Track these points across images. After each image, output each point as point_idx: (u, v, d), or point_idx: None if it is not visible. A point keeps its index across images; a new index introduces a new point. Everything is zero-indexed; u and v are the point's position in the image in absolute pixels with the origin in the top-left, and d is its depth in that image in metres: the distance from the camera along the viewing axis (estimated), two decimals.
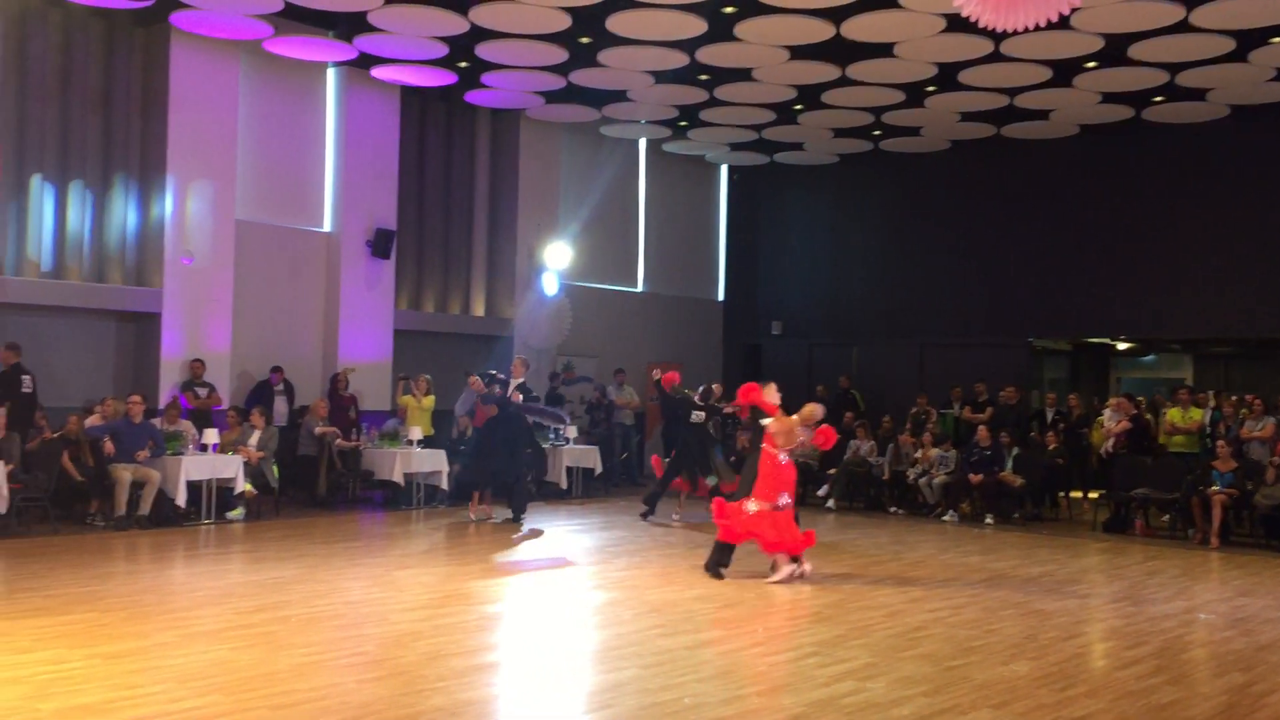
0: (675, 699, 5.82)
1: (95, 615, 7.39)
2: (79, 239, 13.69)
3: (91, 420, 12.07)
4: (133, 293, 13.98)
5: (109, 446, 11.63)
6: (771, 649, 7.18)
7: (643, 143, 20.00)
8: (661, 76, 15.08)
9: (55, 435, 11.58)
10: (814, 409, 9.81)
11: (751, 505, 9.36)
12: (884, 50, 13.72)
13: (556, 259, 17.91)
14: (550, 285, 17.87)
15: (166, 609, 7.77)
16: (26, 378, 12.11)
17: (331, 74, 15.83)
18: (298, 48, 14.34)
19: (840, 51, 13.76)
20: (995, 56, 13.74)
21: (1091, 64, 14.08)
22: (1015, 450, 14.54)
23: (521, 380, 13.24)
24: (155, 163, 14.10)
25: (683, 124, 17.92)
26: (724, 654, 6.89)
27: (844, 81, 15.03)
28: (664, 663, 6.58)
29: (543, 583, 9.42)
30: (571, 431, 15.86)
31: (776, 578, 9.34)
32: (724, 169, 21.66)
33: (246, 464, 12.39)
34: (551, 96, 16.31)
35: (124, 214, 14.08)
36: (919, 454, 15.04)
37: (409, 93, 16.46)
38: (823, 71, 14.61)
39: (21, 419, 11.75)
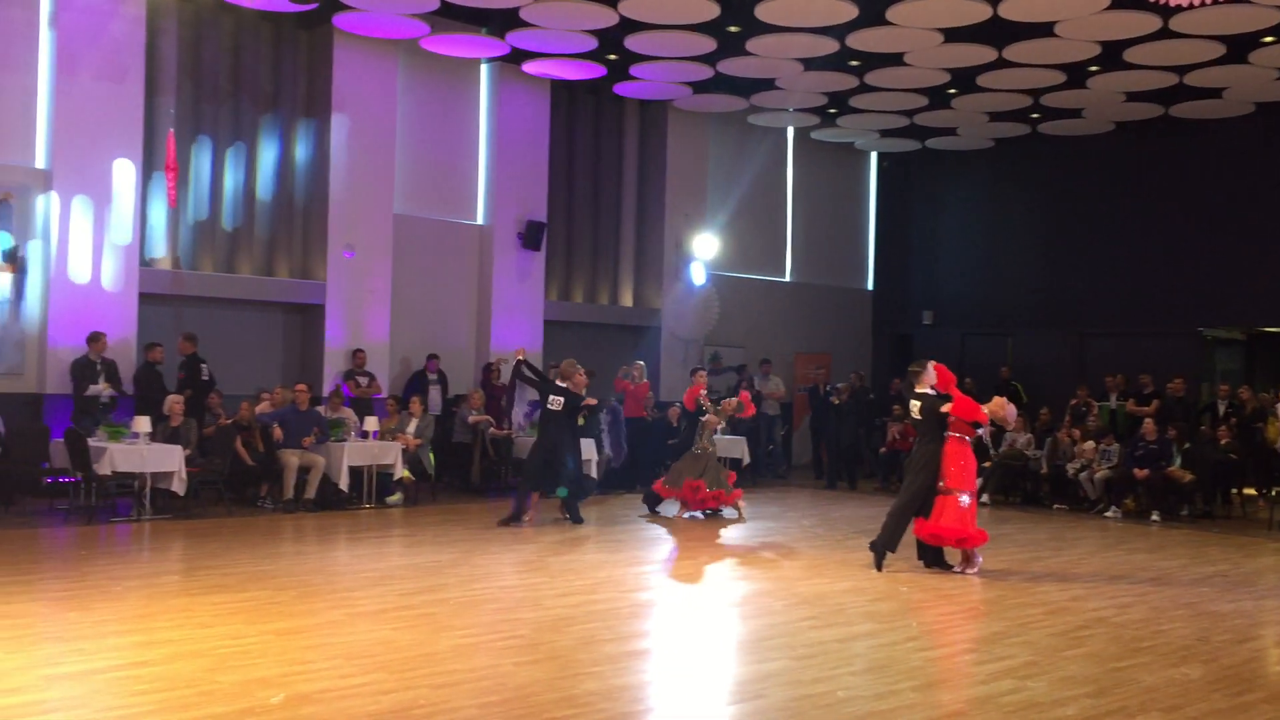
0: (828, 691, 5.77)
1: (268, 593, 7.75)
2: (248, 234, 14.36)
3: (262, 407, 12.63)
4: (298, 285, 14.58)
5: (278, 433, 12.16)
6: (926, 644, 7.05)
7: (791, 131, 19.82)
8: (811, 64, 14.91)
9: (229, 421, 12.17)
10: (1003, 403, 9.62)
11: (964, 498, 9.16)
12: (1044, 30, 13.27)
13: (704, 249, 17.91)
14: (698, 275, 17.89)
15: (333, 589, 8.09)
16: (204, 366, 12.79)
17: (485, 70, 16.17)
18: (453, 45, 14.70)
19: (997, 32, 13.36)
20: (1164, 33, 13.13)
21: (1269, 39, 13.32)
22: (1184, 444, 13.89)
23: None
24: (320, 159, 14.66)
25: (832, 111, 17.69)
26: (877, 648, 6.80)
27: (1001, 63, 14.60)
28: (816, 655, 6.53)
29: (691, 572, 9.46)
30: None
31: (973, 570, 9.20)
32: (873, 156, 21.30)
33: (405, 451, 12.80)
34: (699, 87, 16.31)
35: (289, 210, 14.69)
36: (1079, 448, 14.53)
37: (559, 86, 16.69)
38: (979, 54, 14.22)
39: (198, 406, 12.41)
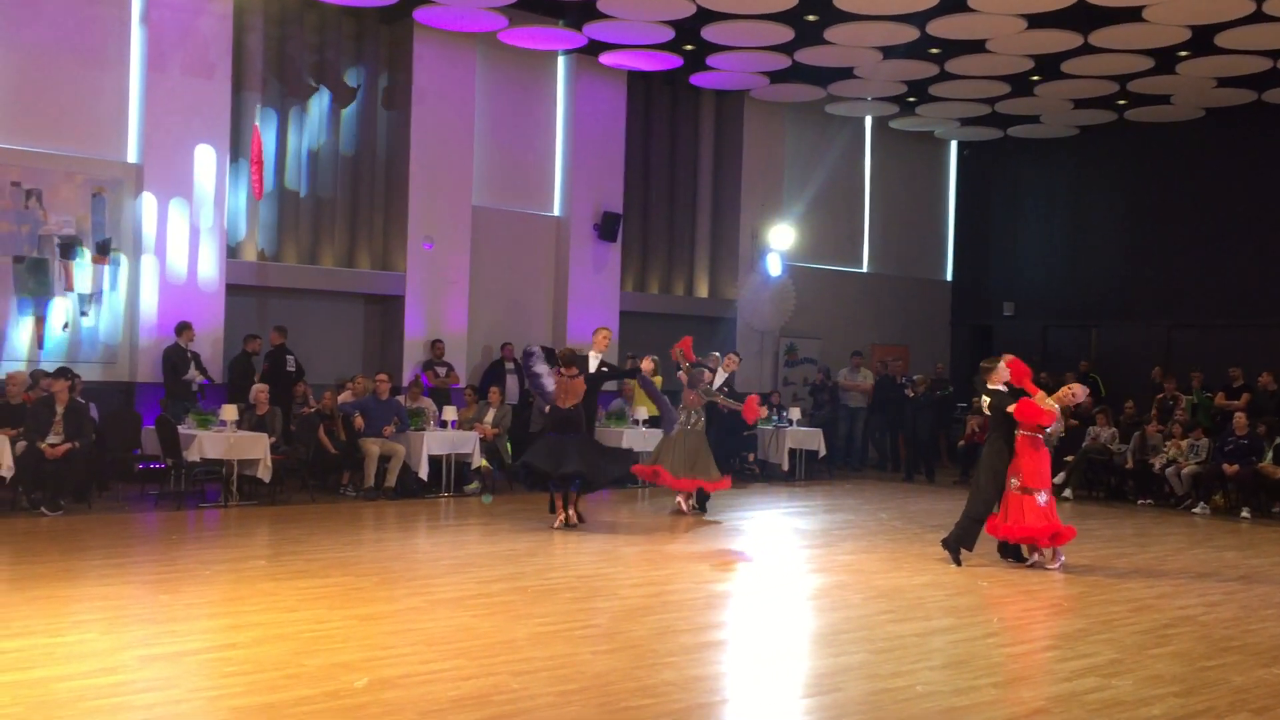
0: (907, 686, 5.73)
1: (350, 579, 7.90)
2: (330, 226, 14.62)
3: (344, 397, 12.87)
4: (379, 276, 14.82)
5: (359, 422, 12.37)
6: (1007, 640, 6.95)
7: (869, 120, 19.62)
8: (890, 52, 14.73)
9: (312, 410, 12.41)
10: (1067, 392, 9.46)
11: (1042, 497, 9.04)
12: (1131, 15, 12.96)
13: (780, 240, 17.82)
14: (774, 266, 17.81)
15: (413, 575, 8.22)
16: (290, 357, 13.09)
17: (561, 62, 16.25)
18: (530, 38, 14.80)
19: (1083, 18, 13.08)
20: (1257, 16, 12.74)
21: None
22: (1276, 440, 13.49)
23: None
24: (400, 152, 14.87)
25: (911, 100, 17.47)
26: (957, 643, 6.72)
27: (1086, 49, 14.28)
28: (894, 649, 6.49)
29: (768, 564, 9.45)
30: (795, 413, 15.80)
31: (1055, 565, 9.10)
32: (954, 145, 20.99)
33: (482, 440, 12.94)
34: (776, 76, 16.21)
35: (370, 202, 14.93)
36: (1167, 442, 14.19)
37: (635, 77, 16.71)
38: (1063, 40, 13.93)
39: (284, 395, 12.68)
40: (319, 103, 14.51)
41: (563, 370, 10.65)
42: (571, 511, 10.55)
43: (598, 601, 7.62)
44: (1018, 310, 20.12)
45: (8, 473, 10.05)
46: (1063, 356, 18.28)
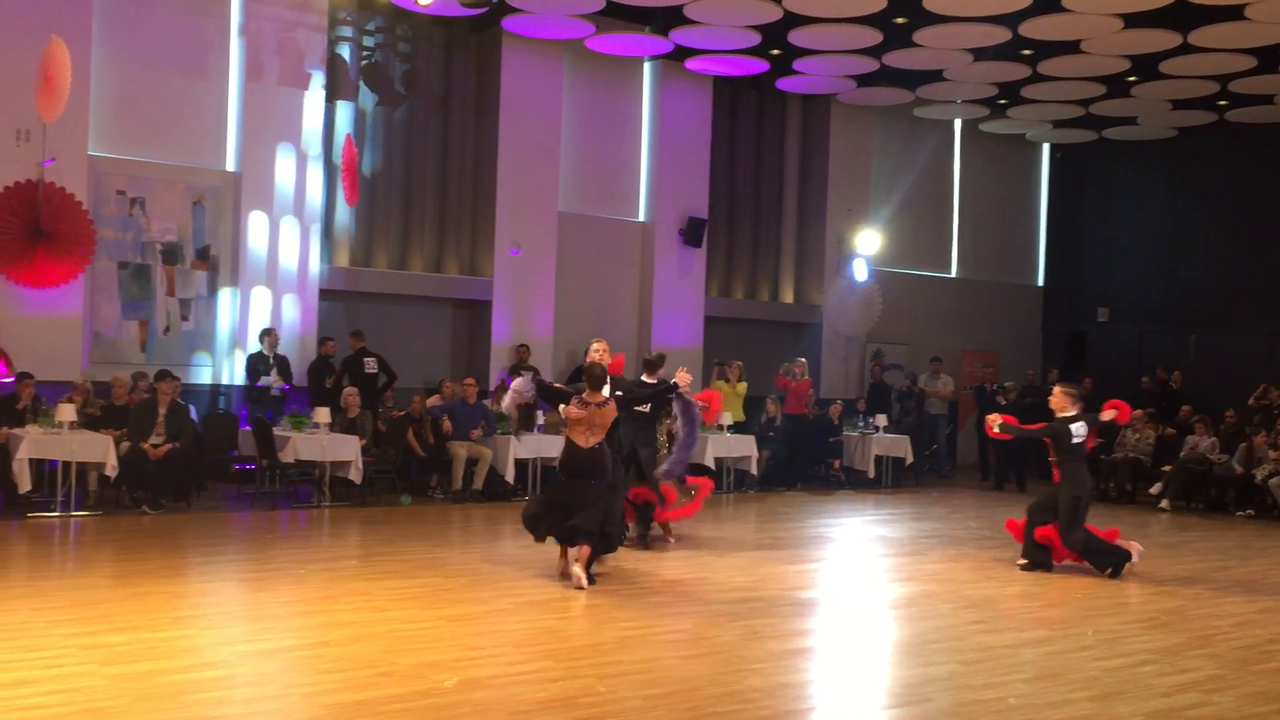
0: (999, 698, 5.63)
1: (439, 580, 8.01)
2: (420, 233, 14.86)
3: (432, 400, 13.05)
4: (467, 282, 15.01)
5: (447, 425, 12.54)
6: (1103, 653, 6.79)
7: (958, 123, 19.34)
8: (981, 54, 14.51)
9: (401, 414, 12.61)
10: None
11: None
12: (1233, 13, 12.59)
13: (867, 245, 17.65)
14: (860, 271, 17.64)
15: (500, 578, 8.29)
16: (369, 360, 13.32)
17: (647, 68, 16.31)
18: (617, 44, 14.87)
19: (1182, 17, 12.74)
20: None
21: None
22: None
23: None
24: (488, 160, 15.06)
25: (1002, 102, 17.18)
26: (1050, 655, 6.59)
27: (1185, 49, 13.91)
28: (985, 660, 6.38)
29: (854, 572, 9.35)
30: (882, 420, 15.64)
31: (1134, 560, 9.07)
32: (1046, 147, 20.59)
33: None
34: (864, 80, 16.06)
35: (459, 209, 15.14)
36: (1271, 452, 13.72)
37: (721, 82, 16.70)
38: (1161, 39, 13.58)
39: (371, 399, 12.90)
40: (409, 111, 14.76)
41: (586, 396, 8.12)
42: (577, 569, 7.84)
43: (683, 606, 7.62)
44: (1112, 316, 19.66)
45: (112, 472, 10.39)
46: (1160, 364, 17.78)
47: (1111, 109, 17.06)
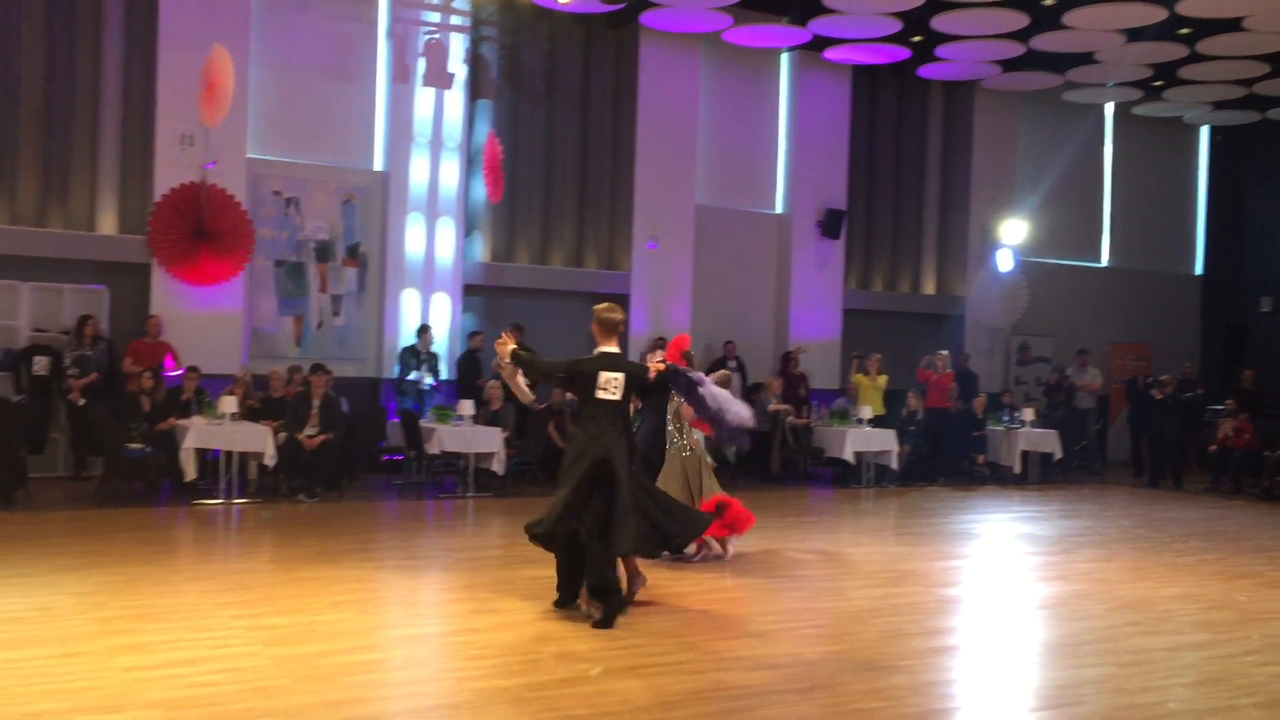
0: (1157, 702, 5.44)
1: None
2: (560, 227, 15.07)
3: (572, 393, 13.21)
4: (605, 276, 15.16)
5: None
6: (1269, 658, 6.48)
7: (1109, 107, 18.65)
8: (1136, 35, 13.96)
9: (543, 406, 12.81)
10: None
11: None
12: None
13: (1012, 234, 17.18)
14: (1005, 262, 17.18)
15: (641, 568, 8.34)
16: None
17: (785, 59, 16.19)
18: (754, 36, 14.80)
19: None
20: None
21: None
22: None
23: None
24: (625, 154, 15.18)
25: (1157, 84, 16.50)
26: (1212, 659, 6.32)
27: None
28: (1142, 662, 6.17)
29: (1001, 569, 9.14)
30: (1029, 414, 15.20)
31: None
32: (1204, 130, 19.69)
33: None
34: (1009, 65, 15.63)
35: (597, 203, 15.30)
36: None
37: (860, 72, 16.47)
38: None
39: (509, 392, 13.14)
40: (549, 108, 14.97)
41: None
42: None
43: (824, 602, 7.57)
44: (1277, 306, 18.69)
45: (271, 461, 10.85)
46: None
47: (1276, 89, 16.21)
